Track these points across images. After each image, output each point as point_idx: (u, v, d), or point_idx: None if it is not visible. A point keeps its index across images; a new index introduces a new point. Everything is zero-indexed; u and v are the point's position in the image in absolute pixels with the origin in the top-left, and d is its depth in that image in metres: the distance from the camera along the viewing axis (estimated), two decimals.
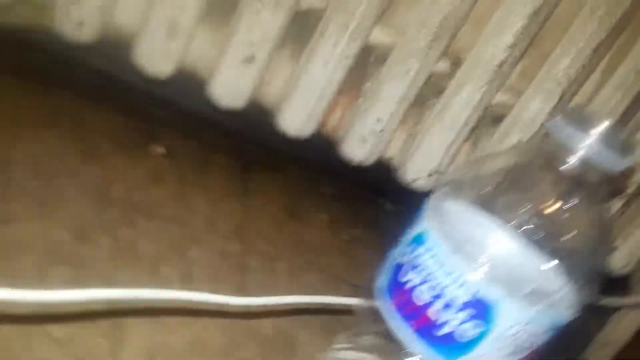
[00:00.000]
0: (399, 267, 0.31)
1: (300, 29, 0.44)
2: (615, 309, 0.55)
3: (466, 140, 0.48)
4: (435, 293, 0.28)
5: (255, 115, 0.50)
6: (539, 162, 0.30)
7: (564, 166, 0.28)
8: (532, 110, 0.46)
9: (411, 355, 0.31)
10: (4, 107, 0.48)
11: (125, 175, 0.50)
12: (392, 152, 0.50)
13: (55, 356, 0.34)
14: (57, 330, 0.35)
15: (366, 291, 0.36)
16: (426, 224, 0.30)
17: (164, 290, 0.32)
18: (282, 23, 0.43)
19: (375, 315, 0.34)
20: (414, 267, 0.29)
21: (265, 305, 0.38)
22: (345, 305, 0.40)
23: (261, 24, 0.42)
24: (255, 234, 0.53)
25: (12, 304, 0.28)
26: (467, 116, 0.46)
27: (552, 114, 0.45)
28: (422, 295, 0.29)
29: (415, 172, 0.49)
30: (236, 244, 0.50)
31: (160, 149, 0.55)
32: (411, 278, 0.29)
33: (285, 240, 0.54)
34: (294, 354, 0.42)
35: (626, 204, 0.49)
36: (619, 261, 0.51)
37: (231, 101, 0.46)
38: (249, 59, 0.44)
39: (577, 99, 0.47)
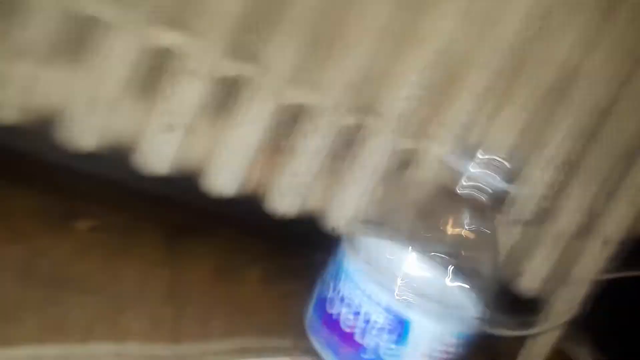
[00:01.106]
0: (323, 301, 0.33)
1: (221, 94, 0.48)
2: (530, 334, 0.60)
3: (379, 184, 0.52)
4: (358, 319, 0.30)
5: (181, 180, 0.52)
6: (439, 192, 0.34)
7: (460, 191, 0.32)
8: (433, 154, 0.51)
9: None
10: None
11: (50, 252, 0.49)
12: (313, 204, 0.53)
13: None
14: None
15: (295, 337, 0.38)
16: (345, 258, 0.33)
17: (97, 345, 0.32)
18: (202, 92, 0.46)
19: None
20: (337, 298, 0.32)
21: None
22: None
23: (182, 94, 0.45)
24: (187, 297, 0.53)
25: None
26: (378, 164, 0.50)
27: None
28: (347, 322, 0.31)
29: (335, 220, 0.52)
30: (168, 308, 0.50)
31: (84, 224, 0.55)
32: (336, 308, 0.32)
33: (218, 301, 0.55)
34: None
35: (524, 231, 0.54)
36: (526, 284, 0.56)
37: (156, 168, 0.47)
38: (170, 127, 0.46)
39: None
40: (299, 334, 0.45)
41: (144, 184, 0.54)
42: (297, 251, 0.71)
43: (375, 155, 0.50)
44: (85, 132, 0.45)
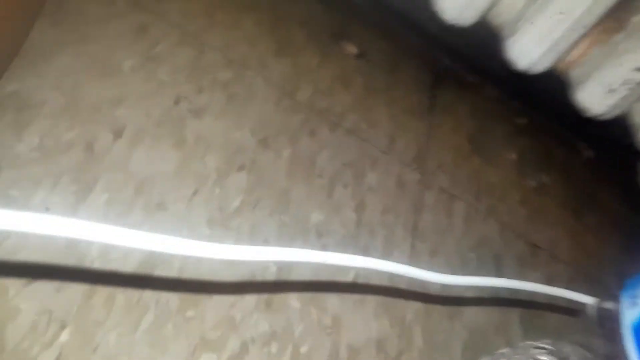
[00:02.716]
0: None
1: None
2: None
3: None
4: None
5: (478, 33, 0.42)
6: None
7: None
8: None
9: None
10: None
11: (313, 76, 0.46)
12: (635, 114, 0.40)
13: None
14: None
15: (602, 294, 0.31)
16: None
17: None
18: None
19: (596, 328, 0.29)
20: None
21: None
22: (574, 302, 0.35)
23: None
24: (436, 164, 0.47)
25: None
26: None
27: None
28: None
29: None
30: (415, 173, 0.46)
31: (352, 48, 0.50)
32: None
33: (466, 178, 0.48)
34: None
35: None
36: None
37: (459, 16, 0.38)
38: None
39: None
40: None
41: (430, 24, 0.45)
42: (563, 136, 0.59)
43: None
44: None
